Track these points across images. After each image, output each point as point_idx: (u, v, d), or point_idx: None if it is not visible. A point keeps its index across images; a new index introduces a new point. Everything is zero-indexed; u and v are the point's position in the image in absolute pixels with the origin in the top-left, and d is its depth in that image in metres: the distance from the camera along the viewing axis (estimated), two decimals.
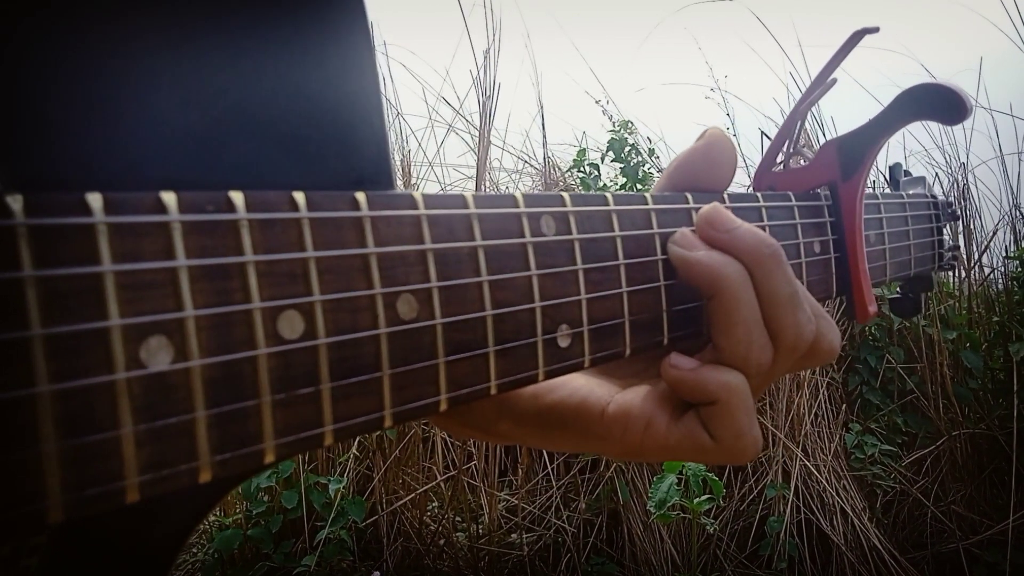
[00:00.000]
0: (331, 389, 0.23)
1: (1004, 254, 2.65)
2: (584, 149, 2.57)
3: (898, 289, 0.61)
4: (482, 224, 0.26)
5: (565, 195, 0.29)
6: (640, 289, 0.32)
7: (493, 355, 0.26)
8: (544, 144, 2.60)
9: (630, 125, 2.54)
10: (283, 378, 0.22)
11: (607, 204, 0.31)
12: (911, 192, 0.59)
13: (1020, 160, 2.76)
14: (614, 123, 2.54)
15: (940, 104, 0.42)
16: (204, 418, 0.20)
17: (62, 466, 0.18)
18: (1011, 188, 2.76)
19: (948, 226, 0.63)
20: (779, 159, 0.45)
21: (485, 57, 2.26)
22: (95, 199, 0.19)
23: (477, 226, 0.26)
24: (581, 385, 0.36)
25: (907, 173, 0.61)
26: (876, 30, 0.43)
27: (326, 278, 0.22)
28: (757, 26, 2.53)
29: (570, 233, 0.29)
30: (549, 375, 0.28)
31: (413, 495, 2.02)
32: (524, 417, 0.37)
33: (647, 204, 0.33)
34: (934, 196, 0.60)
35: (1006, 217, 2.71)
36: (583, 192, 0.32)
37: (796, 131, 0.45)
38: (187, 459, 0.20)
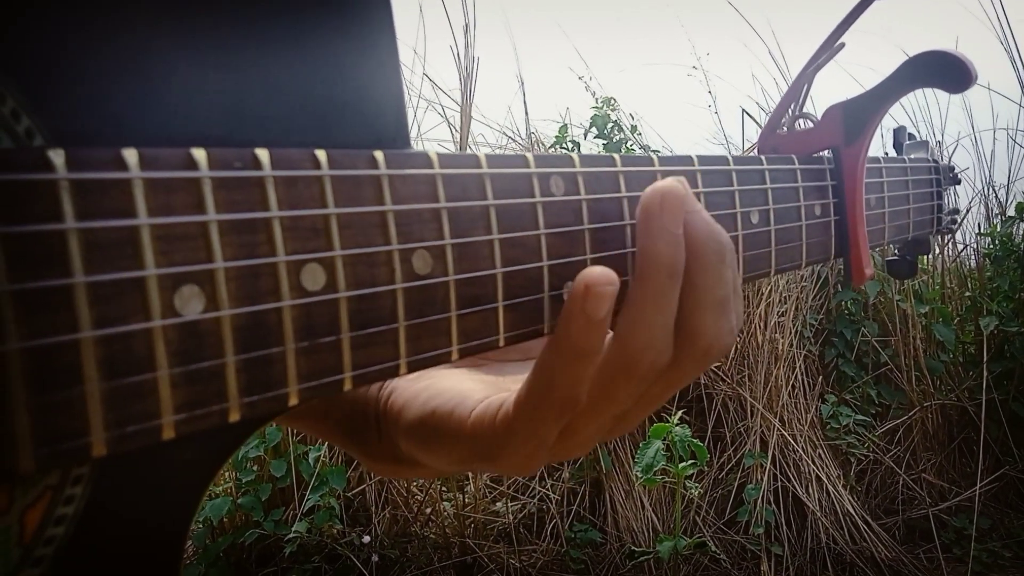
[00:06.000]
0: (350, 339, 0.24)
1: (977, 231, 2.70)
2: (566, 125, 2.55)
3: (896, 251, 0.62)
4: (494, 184, 0.27)
5: (574, 156, 0.30)
6: None
7: (502, 309, 0.27)
8: (527, 120, 2.58)
9: (613, 101, 2.53)
10: (306, 327, 0.23)
11: (615, 165, 0.32)
12: (913, 156, 0.60)
13: (994, 138, 2.81)
14: (597, 100, 2.53)
15: (945, 72, 0.42)
16: (233, 363, 0.22)
17: (104, 405, 0.19)
18: (985, 165, 2.81)
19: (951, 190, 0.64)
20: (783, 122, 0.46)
21: (465, 32, 2.23)
22: (131, 155, 0.20)
23: (489, 185, 0.27)
24: (468, 387, 0.33)
25: (911, 137, 0.62)
26: None
27: (346, 233, 0.24)
28: (739, 6, 2.53)
29: (578, 193, 0.30)
30: (554, 329, 0.29)
31: None
32: (411, 428, 0.34)
33: (654, 166, 0.34)
34: (936, 161, 0.61)
35: (979, 194, 2.76)
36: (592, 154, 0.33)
37: (802, 95, 0.45)
38: (218, 400, 0.21)
